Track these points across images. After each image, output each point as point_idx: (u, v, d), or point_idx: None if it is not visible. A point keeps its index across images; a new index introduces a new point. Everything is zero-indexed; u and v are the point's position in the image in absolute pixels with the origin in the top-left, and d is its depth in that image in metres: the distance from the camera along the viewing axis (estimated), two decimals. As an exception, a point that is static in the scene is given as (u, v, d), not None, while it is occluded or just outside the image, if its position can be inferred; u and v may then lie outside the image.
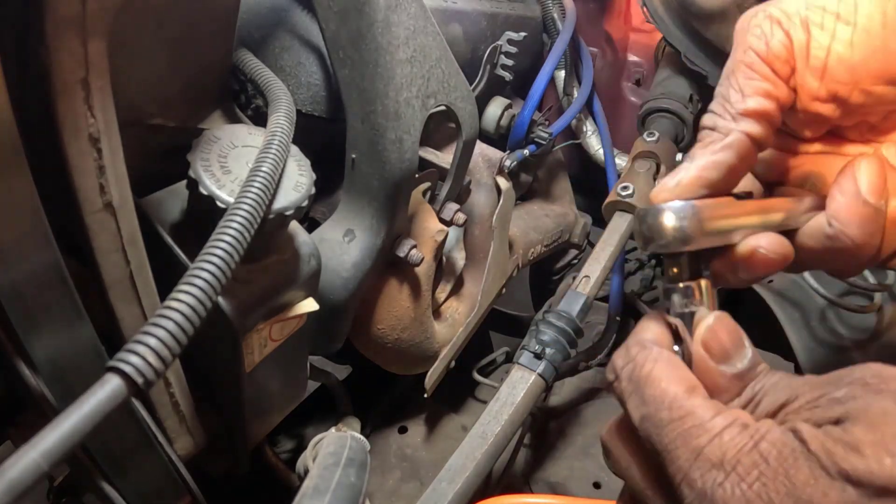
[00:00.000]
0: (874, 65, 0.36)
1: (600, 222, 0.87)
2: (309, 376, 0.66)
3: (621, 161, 1.02)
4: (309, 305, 0.52)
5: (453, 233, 0.75)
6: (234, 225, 0.37)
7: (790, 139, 0.42)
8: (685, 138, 0.99)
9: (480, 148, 0.80)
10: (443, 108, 0.61)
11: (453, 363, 0.77)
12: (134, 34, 0.43)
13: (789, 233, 0.38)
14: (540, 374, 0.67)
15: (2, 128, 0.31)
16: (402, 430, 0.88)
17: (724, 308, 0.34)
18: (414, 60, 0.56)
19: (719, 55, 0.97)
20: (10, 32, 0.34)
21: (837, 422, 0.28)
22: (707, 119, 0.38)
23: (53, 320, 0.37)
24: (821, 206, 0.38)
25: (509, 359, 0.97)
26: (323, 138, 0.63)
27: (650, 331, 0.36)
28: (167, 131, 0.50)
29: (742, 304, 1.02)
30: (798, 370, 0.78)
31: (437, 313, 0.75)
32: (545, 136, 0.85)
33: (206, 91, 0.53)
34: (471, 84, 0.68)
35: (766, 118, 0.37)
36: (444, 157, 0.69)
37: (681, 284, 0.36)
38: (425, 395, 0.73)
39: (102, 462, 0.45)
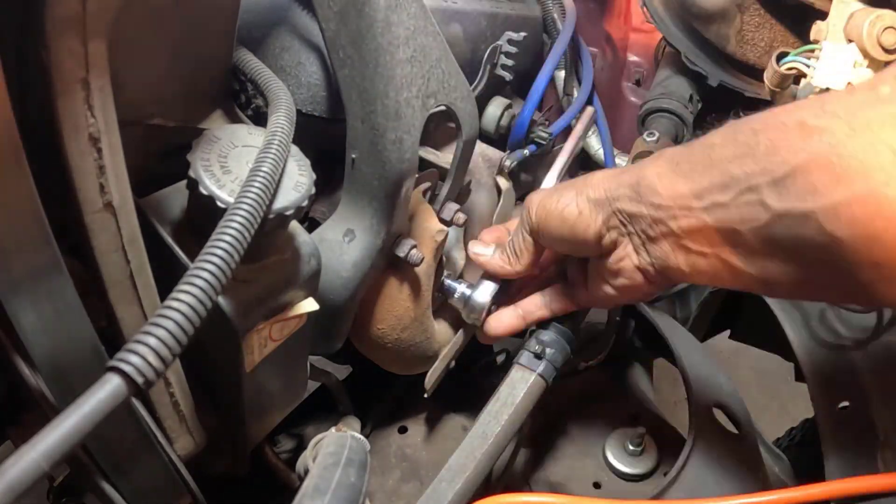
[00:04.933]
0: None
1: (600, 222, 0.87)
2: (309, 376, 0.66)
3: (621, 161, 1.02)
4: (309, 305, 0.52)
5: (453, 233, 0.75)
6: (234, 225, 0.37)
7: None
8: (685, 138, 0.99)
9: (480, 148, 0.80)
10: (443, 108, 0.61)
11: (453, 363, 0.77)
12: (134, 34, 0.43)
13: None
14: (540, 374, 0.67)
15: (2, 128, 0.31)
16: (402, 430, 0.87)
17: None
18: (414, 60, 0.56)
19: (719, 55, 0.97)
20: (10, 32, 0.34)
21: None
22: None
23: (53, 320, 0.37)
24: None
25: (509, 359, 0.97)
26: (323, 138, 0.63)
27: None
28: (167, 131, 0.50)
29: (742, 304, 1.02)
30: (798, 370, 0.78)
31: (436, 313, 0.75)
32: (545, 136, 0.85)
33: (206, 91, 0.53)
34: (471, 84, 0.68)
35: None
36: (444, 157, 0.69)
37: None
38: (425, 395, 0.73)
39: (102, 462, 0.45)
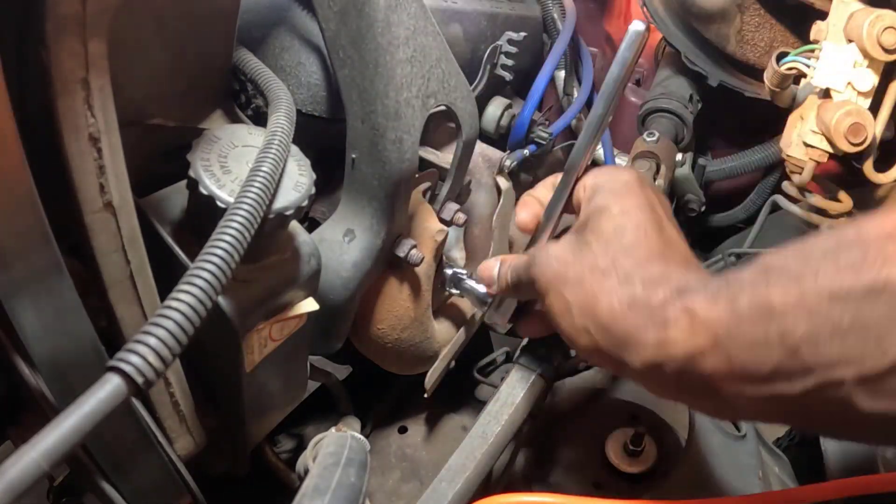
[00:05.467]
0: None
1: (600, 222, 0.87)
2: (309, 376, 0.66)
3: (621, 161, 1.02)
4: (309, 305, 0.52)
5: (453, 233, 0.75)
6: (234, 225, 0.37)
7: None
8: (685, 138, 0.99)
9: (480, 148, 0.80)
10: (443, 108, 0.61)
11: (453, 363, 0.77)
12: (134, 34, 0.43)
13: None
14: (540, 374, 0.67)
15: (2, 128, 0.31)
16: (402, 430, 0.87)
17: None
18: (414, 60, 0.56)
19: (719, 55, 0.97)
20: (10, 32, 0.34)
21: None
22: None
23: (53, 320, 0.37)
24: None
25: (509, 359, 0.97)
26: (323, 138, 0.63)
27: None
28: (167, 131, 0.50)
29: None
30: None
31: (437, 313, 0.75)
32: (545, 136, 0.85)
33: (206, 91, 0.53)
34: (471, 84, 0.68)
35: None
36: (444, 157, 0.69)
37: None
38: (425, 395, 0.73)
39: (102, 462, 0.45)
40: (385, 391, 0.90)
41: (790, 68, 0.77)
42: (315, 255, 0.52)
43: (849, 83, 0.74)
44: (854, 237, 0.32)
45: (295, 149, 0.48)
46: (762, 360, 0.34)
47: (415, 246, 0.63)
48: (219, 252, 0.36)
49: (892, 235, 0.31)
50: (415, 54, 0.56)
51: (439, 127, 0.73)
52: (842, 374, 0.31)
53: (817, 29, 0.76)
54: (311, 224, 0.66)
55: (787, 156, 0.82)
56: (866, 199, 0.85)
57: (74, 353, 0.39)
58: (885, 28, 0.70)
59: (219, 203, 0.43)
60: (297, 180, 0.46)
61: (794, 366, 0.33)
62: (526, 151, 0.83)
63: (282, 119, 0.47)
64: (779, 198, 0.88)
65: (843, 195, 0.83)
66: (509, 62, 0.79)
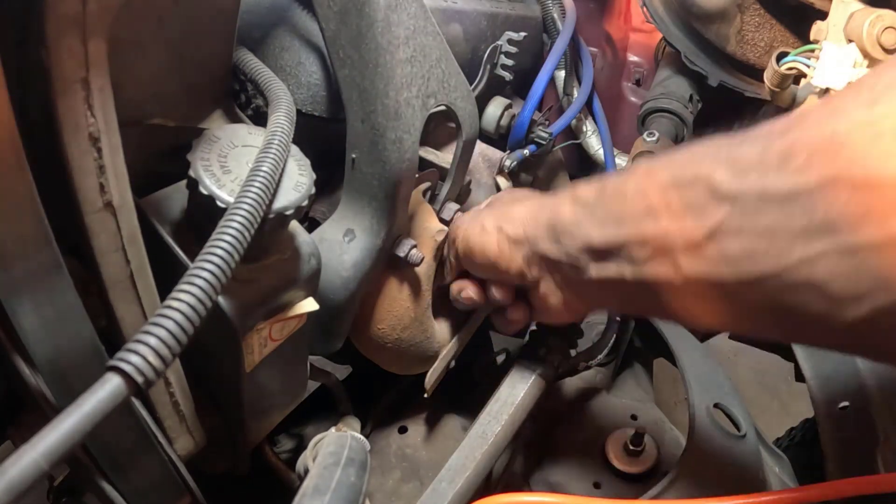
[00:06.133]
0: None
1: (600, 222, 0.87)
2: (309, 376, 0.66)
3: (621, 161, 1.02)
4: (309, 305, 0.52)
5: (453, 233, 0.75)
6: (234, 225, 0.37)
7: None
8: (685, 138, 0.99)
9: (480, 148, 0.80)
10: (443, 108, 0.61)
11: (453, 363, 0.77)
12: (134, 34, 0.43)
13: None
14: (540, 374, 0.67)
15: (2, 128, 0.31)
16: (402, 430, 0.87)
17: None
18: (414, 60, 0.56)
19: (719, 55, 0.97)
20: (10, 32, 0.34)
21: None
22: None
23: (53, 320, 0.37)
24: None
25: (509, 359, 0.97)
26: (323, 138, 0.63)
27: None
28: (167, 131, 0.50)
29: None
30: (798, 370, 0.78)
31: (436, 313, 0.75)
32: (545, 136, 0.85)
33: (206, 91, 0.53)
34: (471, 84, 0.68)
35: None
36: (444, 157, 0.69)
37: None
38: (425, 395, 0.73)
39: (102, 462, 0.45)
40: (385, 391, 0.90)
41: (790, 68, 0.77)
42: (315, 254, 0.52)
43: (849, 83, 0.74)
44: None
45: (295, 149, 0.48)
46: (620, 228, 0.45)
47: (415, 246, 0.63)
48: (219, 252, 0.36)
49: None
50: (415, 54, 0.56)
51: (439, 127, 0.73)
52: (674, 240, 0.40)
53: (817, 29, 0.76)
54: (311, 224, 0.66)
55: (787, 156, 0.82)
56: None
57: (74, 353, 0.39)
58: (885, 28, 0.70)
59: (219, 203, 0.43)
60: (297, 180, 0.46)
61: (640, 236, 0.43)
62: (526, 151, 0.83)
63: (282, 119, 0.47)
64: (779, 198, 0.88)
65: (843, 195, 0.83)
66: (509, 62, 0.79)
